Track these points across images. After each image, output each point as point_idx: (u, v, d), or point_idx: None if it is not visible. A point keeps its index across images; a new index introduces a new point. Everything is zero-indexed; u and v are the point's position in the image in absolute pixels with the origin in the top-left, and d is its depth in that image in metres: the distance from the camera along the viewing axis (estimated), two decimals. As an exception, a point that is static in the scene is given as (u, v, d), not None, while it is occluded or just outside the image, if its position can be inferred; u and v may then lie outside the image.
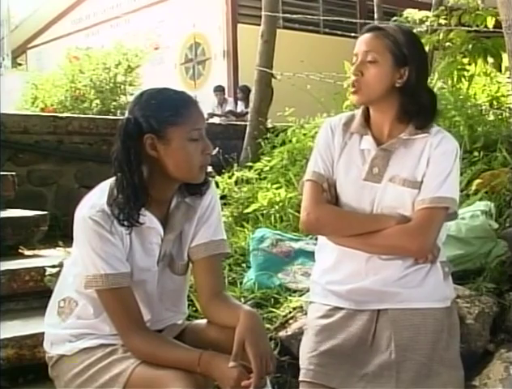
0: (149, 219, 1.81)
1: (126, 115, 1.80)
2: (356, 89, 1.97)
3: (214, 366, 1.67)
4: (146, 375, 1.69)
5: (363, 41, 1.98)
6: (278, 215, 3.51)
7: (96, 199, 1.79)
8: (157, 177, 1.80)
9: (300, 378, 1.95)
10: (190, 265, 1.95)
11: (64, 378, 1.83)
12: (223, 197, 3.88)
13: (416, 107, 1.96)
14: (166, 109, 1.76)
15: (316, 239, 2.24)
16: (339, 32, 7.32)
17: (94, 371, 1.76)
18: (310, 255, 2.40)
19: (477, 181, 3.06)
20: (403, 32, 1.97)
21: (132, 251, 1.81)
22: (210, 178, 1.94)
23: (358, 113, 2.06)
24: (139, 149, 1.75)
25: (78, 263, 1.82)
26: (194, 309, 2.43)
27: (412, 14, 5.06)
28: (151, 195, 1.80)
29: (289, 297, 2.63)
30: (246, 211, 3.68)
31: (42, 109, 9.06)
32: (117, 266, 1.76)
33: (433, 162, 1.94)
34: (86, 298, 1.84)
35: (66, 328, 1.86)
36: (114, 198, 1.76)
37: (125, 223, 1.75)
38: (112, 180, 1.81)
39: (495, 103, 4.30)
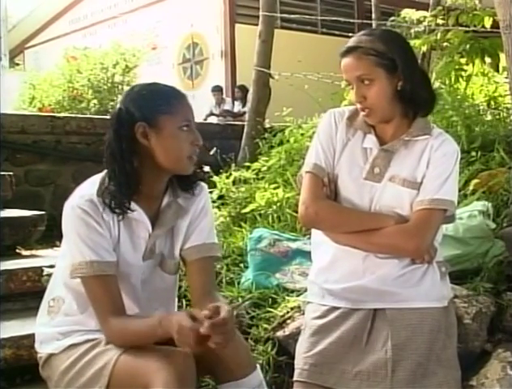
0: (138, 213, 1.84)
1: (118, 106, 1.84)
2: (368, 113, 1.96)
3: (174, 323, 1.62)
4: (128, 365, 1.70)
5: (349, 67, 1.95)
6: (276, 215, 3.51)
7: (86, 190, 1.82)
8: (147, 168, 1.82)
9: (295, 378, 1.96)
10: (182, 266, 1.97)
11: (54, 378, 1.85)
12: (220, 197, 3.89)
13: (423, 94, 1.97)
14: (158, 98, 1.82)
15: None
16: (336, 32, 7.31)
17: (79, 367, 1.78)
18: (308, 255, 2.40)
19: (475, 181, 3.06)
20: (379, 39, 1.94)
21: (119, 243, 1.84)
22: (203, 182, 1.98)
23: None
24: (131, 138, 1.79)
25: (66, 256, 1.84)
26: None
27: (410, 14, 5.06)
28: (141, 189, 1.82)
29: (287, 297, 2.63)
30: (244, 211, 3.68)
31: (40, 109, 9.05)
32: (102, 254, 1.78)
33: (433, 164, 1.95)
34: (71, 293, 1.86)
35: (54, 326, 1.88)
36: (106, 186, 1.79)
37: (117, 210, 1.78)
38: (103, 173, 1.85)
39: (492, 103, 4.30)
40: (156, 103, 1.81)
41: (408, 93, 1.94)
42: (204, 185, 2.00)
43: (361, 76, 1.93)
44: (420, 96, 1.97)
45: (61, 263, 1.90)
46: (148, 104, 1.80)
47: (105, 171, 1.84)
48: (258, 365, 1.89)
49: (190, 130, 1.84)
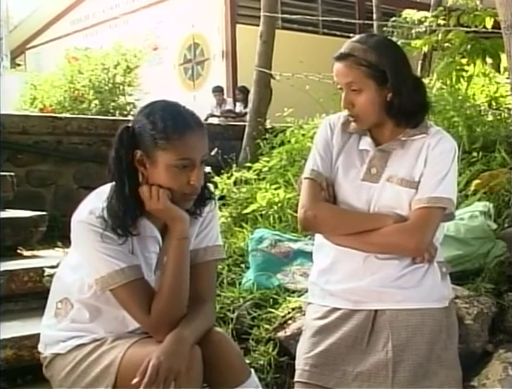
0: (150, 228, 1.82)
1: (130, 123, 1.79)
2: (355, 119, 1.98)
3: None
4: (135, 361, 1.68)
5: (340, 73, 1.96)
6: (277, 215, 3.51)
7: (93, 204, 1.78)
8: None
9: (296, 379, 1.96)
10: None
11: (58, 377, 1.85)
12: (222, 197, 3.89)
13: (412, 107, 1.95)
14: (159, 130, 1.72)
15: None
16: (337, 33, 7.31)
17: (85, 366, 1.78)
18: (309, 256, 2.40)
19: (476, 181, 3.06)
20: (372, 48, 1.93)
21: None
22: (210, 199, 1.92)
23: None
24: (131, 161, 1.75)
25: (78, 268, 1.82)
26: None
27: (411, 14, 5.07)
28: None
29: (288, 298, 2.63)
30: (245, 211, 3.68)
31: (41, 110, 9.05)
32: (128, 259, 1.75)
33: (430, 162, 1.94)
34: (82, 303, 1.84)
35: (60, 330, 1.87)
36: (108, 205, 1.76)
37: (119, 231, 1.74)
38: (109, 185, 1.81)
39: (494, 103, 4.30)
40: (156, 135, 1.72)
41: (396, 106, 1.94)
42: (210, 201, 1.94)
43: (351, 84, 1.94)
44: (409, 109, 1.95)
45: (72, 274, 1.87)
46: (149, 134, 1.73)
47: (111, 184, 1.80)
48: (252, 370, 1.88)
49: (191, 167, 1.74)
